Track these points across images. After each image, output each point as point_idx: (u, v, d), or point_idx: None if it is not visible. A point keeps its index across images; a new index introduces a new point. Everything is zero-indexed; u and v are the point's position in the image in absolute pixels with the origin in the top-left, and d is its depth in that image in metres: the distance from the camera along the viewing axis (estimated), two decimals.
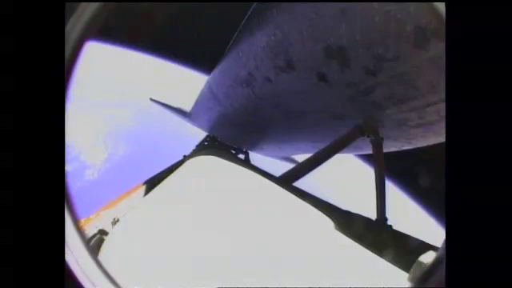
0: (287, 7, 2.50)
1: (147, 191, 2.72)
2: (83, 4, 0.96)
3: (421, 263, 1.06)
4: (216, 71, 4.65)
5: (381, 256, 1.35)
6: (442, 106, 2.18)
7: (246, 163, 5.14)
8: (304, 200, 1.70)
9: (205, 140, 6.66)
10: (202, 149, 5.96)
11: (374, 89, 2.40)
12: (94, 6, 0.97)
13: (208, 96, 5.42)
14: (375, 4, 1.92)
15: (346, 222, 1.73)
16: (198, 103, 6.58)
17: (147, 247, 1.28)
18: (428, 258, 1.05)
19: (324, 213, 1.66)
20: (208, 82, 5.28)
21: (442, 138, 2.36)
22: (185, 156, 4.46)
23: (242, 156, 6.71)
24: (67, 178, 0.92)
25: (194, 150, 5.37)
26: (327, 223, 1.62)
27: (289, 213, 1.60)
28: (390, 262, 1.32)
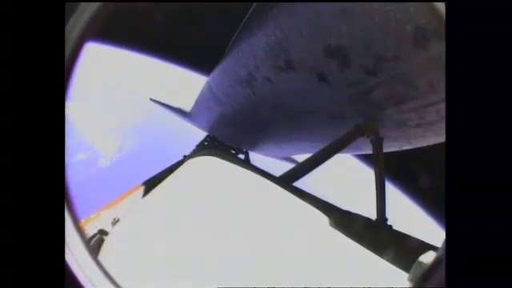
0: (287, 7, 2.50)
1: (147, 191, 2.72)
2: (83, 4, 0.96)
3: (421, 263, 1.06)
4: (216, 71, 4.64)
5: (381, 256, 1.35)
6: (442, 106, 2.18)
7: (246, 163, 5.13)
8: (304, 200, 1.70)
9: (205, 140, 6.65)
10: (202, 149, 5.96)
11: (374, 89, 2.40)
12: (94, 6, 0.97)
13: (208, 96, 5.41)
14: (375, 4, 1.92)
15: (346, 221, 1.73)
16: (197, 103, 6.57)
17: (147, 247, 1.28)
18: (428, 257, 1.05)
19: (324, 213, 1.66)
20: (208, 82, 5.28)
21: (442, 138, 2.36)
22: (185, 156, 4.45)
23: (242, 156, 6.70)
24: (67, 178, 0.92)
25: (194, 150, 5.37)
26: (327, 223, 1.62)
27: (289, 213, 1.60)
28: (389, 261, 1.32)
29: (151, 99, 9.60)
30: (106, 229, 1.70)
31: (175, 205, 1.61)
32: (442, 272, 0.88)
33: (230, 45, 3.76)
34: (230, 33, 3.64)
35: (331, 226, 1.57)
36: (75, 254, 0.92)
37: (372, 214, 2.63)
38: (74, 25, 0.95)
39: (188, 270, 1.15)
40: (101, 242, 1.54)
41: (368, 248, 1.38)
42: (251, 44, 3.18)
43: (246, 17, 3.17)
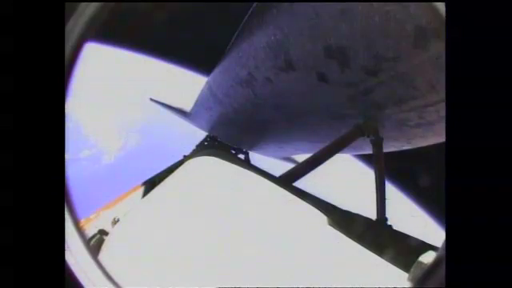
0: (287, 7, 2.50)
1: (147, 191, 2.72)
2: (83, 4, 0.96)
3: (421, 263, 1.07)
4: (216, 71, 4.65)
5: (381, 256, 1.35)
6: (442, 106, 2.18)
7: (246, 163, 5.13)
8: (304, 200, 1.70)
9: (205, 140, 6.65)
10: (202, 149, 5.96)
11: (374, 89, 2.40)
12: (94, 5, 0.97)
13: (208, 96, 5.42)
14: (375, 4, 1.92)
15: (346, 221, 1.73)
16: (198, 103, 6.58)
17: (147, 247, 1.28)
18: (428, 258, 1.05)
19: (324, 213, 1.66)
20: (208, 82, 5.28)
21: (442, 138, 2.36)
22: (185, 156, 4.45)
23: (242, 156, 6.69)
24: (67, 178, 0.92)
25: (194, 150, 5.37)
26: (327, 223, 1.62)
27: (288, 213, 1.60)
28: (389, 261, 1.32)
29: (151, 99, 9.60)
30: (106, 229, 1.70)
31: (175, 205, 1.62)
32: (441, 272, 0.88)
33: (230, 45, 3.76)
34: (230, 33, 3.64)
35: (331, 225, 1.57)
36: (75, 254, 0.92)
37: (372, 214, 2.63)
38: (74, 25, 0.95)
39: (188, 269, 1.15)
40: (101, 241, 1.54)
41: (368, 248, 1.38)
42: (251, 44, 3.18)
43: (246, 17, 3.17)
